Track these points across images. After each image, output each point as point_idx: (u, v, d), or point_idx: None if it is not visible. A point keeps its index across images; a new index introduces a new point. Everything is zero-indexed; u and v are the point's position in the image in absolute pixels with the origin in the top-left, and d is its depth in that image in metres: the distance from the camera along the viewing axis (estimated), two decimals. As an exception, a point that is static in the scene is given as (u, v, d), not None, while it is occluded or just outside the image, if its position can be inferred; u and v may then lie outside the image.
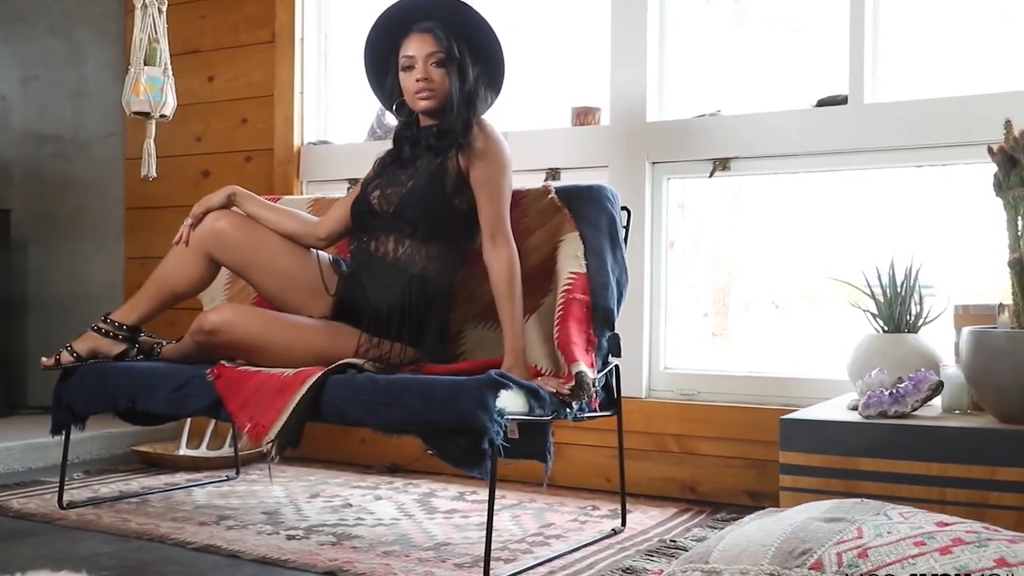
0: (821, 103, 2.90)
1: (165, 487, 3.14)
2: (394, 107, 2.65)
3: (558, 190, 2.69)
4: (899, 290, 2.57)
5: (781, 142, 2.97)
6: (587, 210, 2.62)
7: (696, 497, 3.01)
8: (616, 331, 2.55)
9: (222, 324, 2.45)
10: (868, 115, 2.84)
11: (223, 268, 2.72)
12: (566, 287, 2.53)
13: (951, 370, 2.35)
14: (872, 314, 2.61)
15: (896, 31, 2.87)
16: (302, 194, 3.81)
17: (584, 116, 3.27)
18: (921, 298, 2.58)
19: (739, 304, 3.26)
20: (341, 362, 2.38)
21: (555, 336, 2.48)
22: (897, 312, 2.56)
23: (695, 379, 3.11)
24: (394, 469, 3.42)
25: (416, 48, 2.53)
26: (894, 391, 2.22)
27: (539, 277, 2.61)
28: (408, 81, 2.56)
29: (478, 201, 2.51)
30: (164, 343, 2.79)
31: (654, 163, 3.15)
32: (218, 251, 2.62)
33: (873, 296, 2.61)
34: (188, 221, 2.66)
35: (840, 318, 2.87)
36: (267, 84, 3.84)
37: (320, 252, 2.70)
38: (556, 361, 2.49)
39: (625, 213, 2.69)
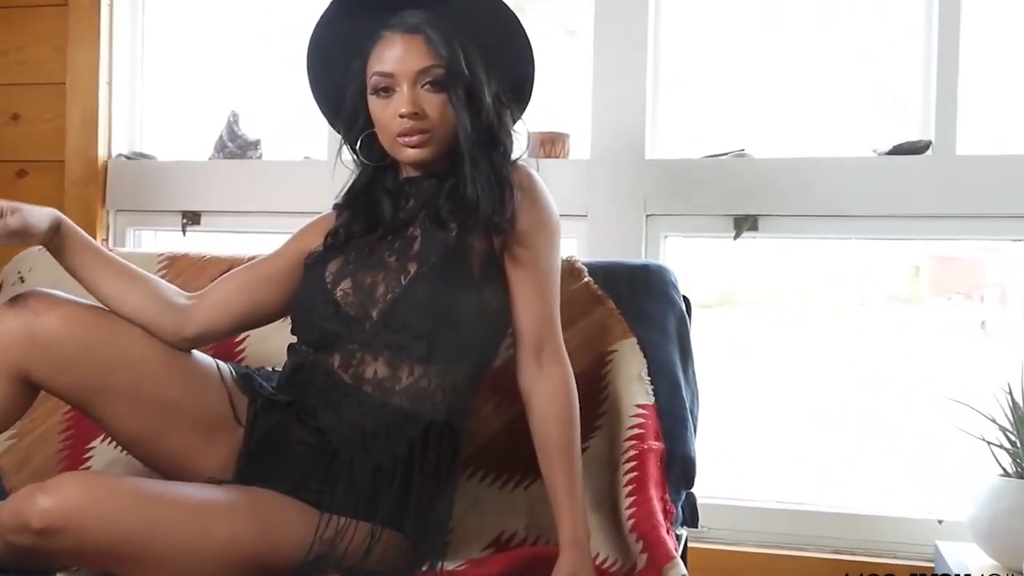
0: (896, 150, 2.18)
1: None
2: (358, 143, 1.62)
3: (593, 270, 1.79)
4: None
5: (833, 198, 2.21)
6: (647, 305, 1.75)
7: (711, 674, 2.22)
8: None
9: (67, 518, 1.30)
10: (958, 169, 2.15)
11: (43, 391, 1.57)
12: (635, 432, 1.64)
13: None
14: (1006, 449, 1.93)
15: (996, 69, 2.19)
16: (108, 226, 2.67)
17: (549, 145, 2.37)
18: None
19: (769, 409, 2.49)
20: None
21: (628, 511, 1.59)
22: (1039, 449, 1.90)
23: (705, 510, 2.31)
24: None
25: (397, 61, 1.53)
26: None
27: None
28: (385, 113, 1.55)
29: (515, 293, 1.55)
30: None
31: (650, 215, 2.32)
32: (41, 369, 1.49)
33: (1003, 428, 1.93)
34: None
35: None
36: (56, 67, 2.64)
37: (220, 363, 1.65)
38: (620, 544, 1.61)
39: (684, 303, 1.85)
